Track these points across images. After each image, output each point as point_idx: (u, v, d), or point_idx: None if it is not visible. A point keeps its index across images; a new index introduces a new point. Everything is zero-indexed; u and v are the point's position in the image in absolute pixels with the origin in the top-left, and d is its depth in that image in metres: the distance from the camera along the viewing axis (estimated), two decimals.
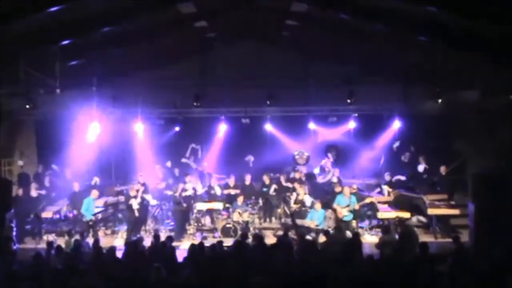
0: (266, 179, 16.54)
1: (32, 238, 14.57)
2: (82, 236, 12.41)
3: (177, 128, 18.48)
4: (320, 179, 17.13)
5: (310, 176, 17.01)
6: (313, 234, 13.47)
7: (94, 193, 14.63)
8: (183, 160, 18.21)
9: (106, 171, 17.89)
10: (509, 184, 12.30)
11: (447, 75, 14.76)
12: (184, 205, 14.97)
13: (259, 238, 11.56)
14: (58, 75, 14.26)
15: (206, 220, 15.43)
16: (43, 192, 15.44)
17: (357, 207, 14.20)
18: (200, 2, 13.59)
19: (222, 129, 18.16)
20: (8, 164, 17.36)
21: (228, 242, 12.21)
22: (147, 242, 12.07)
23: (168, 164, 17.80)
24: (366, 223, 15.28)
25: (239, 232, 13.76)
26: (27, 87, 14.14)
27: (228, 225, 14.31)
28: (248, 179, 16.41)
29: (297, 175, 16.62)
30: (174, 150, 18.53)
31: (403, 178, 16.26)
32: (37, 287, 8.71)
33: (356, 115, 17.49)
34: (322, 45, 17.70)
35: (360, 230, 14.33)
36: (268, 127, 18.32)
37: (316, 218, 13.83)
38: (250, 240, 12.46)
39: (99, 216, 15.04)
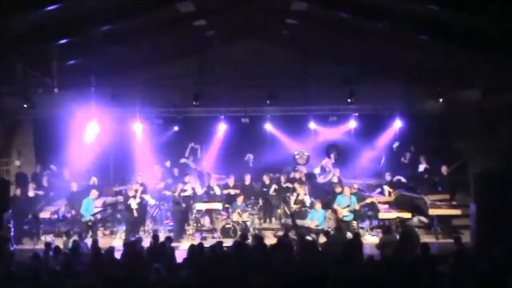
0: (266, 179, 16.54)
1: (30, 239, 14.56)
2: (80, 236, 12.41)
3: (176, 128, 18.47)
4: (321, 179, 17.13)
5: (311, 176, 17.01)
6: (313, 235, 13.48)
7: (94, 193, 14.63)
8: (182, 160, 18.20)
9: (104, 171, 17.87)
10: (511, 184, 12.30)
11: (448, 74, 14.77)
12: (183, 205, 14.97)
13: (259, 238, 11.56)
14: (56, 74, 14.26)
15: (206, 221, 15.43)
16: (40, 192, 15.43)
17: (357, 207, 14.21)
18: (200, 1, 13.59)
19: (222, 128, 18.13)
20: (6, 164, 17.34)
21: (228, 242, 12.21)
22: (146, 242, 12.06)
23: (167, 164, 17.80)
24: (366, 224, 15.28)
25: (239, 233, 13.76)
26: (25, 86, 14.13)
27: (227, 226, 14.31)
28: (248, 179, 16.40)
29: (297, 175, 16.61)
30: (173, 150, 18.52)
31: (403, 180, 16.23)
32: None
33: (357, 114, 17.47)
34: (322, 44, 17.71)
35: (360, 231, 14.33)
36: (268, 126, 18.31)
37: (317, 219, 13.83)
38: (249, 240, 12.47)
39: (98, 216, 15.03)
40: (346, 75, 16.88)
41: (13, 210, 14.00)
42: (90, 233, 14.11)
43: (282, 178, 16.55)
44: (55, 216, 15.23)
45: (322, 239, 12.59)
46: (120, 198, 15.87)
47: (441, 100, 15.40)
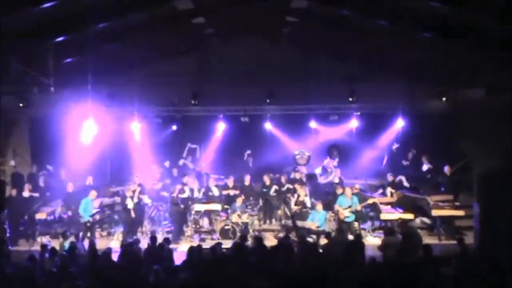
0: (266, 179, 16.52)
1: (26, 240, 14.56)
2: (77, 238, 12.41)
3: (174, 127, 18.47)
4: (322, 180, 17.11)
5: (311, 177, 17.01)
6: (314, 236, 13.48)
7: (93, 193, 14.64)
8: (181, 162, 18.21)
9: (101, 171, 17.87)
10: None
11: (451, 73, 14.76)
12: (182, 206, 14.96)
13: (258, 240, 11.56)
14: (52, 72, 14.24)
15: (204, 222, 15.44)
16: (36, 194, 15.37)
17: (359, 208, 14.19)
18: None
19: (221, 128, 18.12)
20: (1, 164, 17.32)
21: (227, 244, 12.21)
22: (144, 244, 12.07)
23: (167, 164, 17.80)
24: (368, 225, 15.27)
25: (238, 234, 13.75)
26: (21, 85, 14.11)
27: (227, 227, 14.30)
28: (247, 180, 16.39)
29: (297, 176, 16.60)
30: (172, 149, 18.53)
31: (405, 182, 16.19)
32: None
33: (358, 113, 17.46)
34: (323, 42, 17.71)
35: (362, 232, 14.33)
36: (268, 126, 18.30)
37: (317, 220, 13.83)
38: (249, 242, 12.47)
39: (97, 217, 15.03)
40: (347, 73, 16.91)
41: (8, 210, 14.00)
42: (88, 234, 14.11)
43: (283, 179, 16.55)
44: (51, 217, 15.22)
45: (323, 240, 12.59)
46: (118, 199, 15.87)
47: (444, 99, 15.39)
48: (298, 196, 15.13)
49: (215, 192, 15.80)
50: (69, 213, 15.20)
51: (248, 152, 18.22)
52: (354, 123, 17.83)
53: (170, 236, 13.82)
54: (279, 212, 15.70)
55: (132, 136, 17.77)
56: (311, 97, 17.68)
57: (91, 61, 15.39)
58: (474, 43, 12.38)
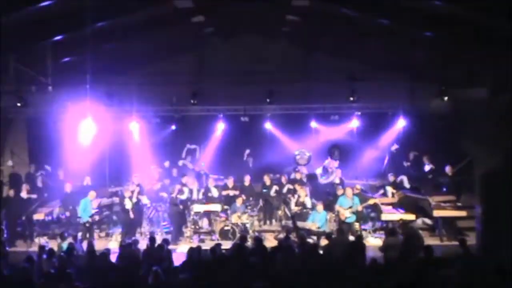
0: (266, 179, 16.50)
1: (24, 241, 14.55)
2: (75, 239, 12.40)
3: (173, 127, 18.46)
4: (322, 180, 17.10)
5: (312, 177, 16.99)
6: (314, 237, 13.47)
7: (92, 194, 14.64)
8: (181, 162, 18.20)
9: (100, 171, 17.85)
10: None
11: (453, 73, 14.74)
12: (181, 206, 14.95)
13: (258, 241, 11.55)
14: (50, 72, 14.26)
15: (204, 223, 15.43)
16: (34, 196, 15.30)
17: (360, 208, 14.18)
18: None
19: (220, 128, 18.06)
20: None
21: (227, 245, 12.21)
22: (142, 245, 12.06)
23: (166, 164, 17.79)
24: (369, 225, 15.26)
25: (238, 235, 13.74)
26: (18, 84, 14.12)
27: (226, 228, 14.30)
28: (247, 180, 16.38)
29: (297, 176, 16.59)
30: (171, 149, 18.52)
31: (407, 183, 16.16)
32: None
33: (359, 113, 17.42)
34: (324, 41, 17.69)
35: (363, 232, 14.33)
36: (268, 125, 18.27)
37: (318, 220, 13.83)
38: (249, 243, 12.47)
39: (96, 217, 15.02)
40: (348, 73, 16.85)
41: (6, 211, 14.01)
42: (87, 235, 14.09)
43: (283, 179, 16.53)
44: (49, 218, 15.23)
45: (323, 241, 12.58)
46: (116, 199, 15.87)
47: (445, 98, 15.37)
48: (299, 196, 15.13)
49: (214, 193, 15.78)
50: (67, 213, 15.20)
51: (248, 151, 18.21)
52: (355, 123, 17.79)
53: (169, 237, 13.86)
54: (279, 212, 15.69)
55: (131, 136, 17.75)
56: (311, 97, 17.63)
57: (90, 60, 15.36)
58: (476, 42, 12.36)
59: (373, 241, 14.12)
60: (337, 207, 14.24)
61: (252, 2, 14.39)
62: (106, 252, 10.74)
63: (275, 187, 16.23)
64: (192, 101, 16.38)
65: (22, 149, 17.92)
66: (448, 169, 15.62)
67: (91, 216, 14.45)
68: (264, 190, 16.39)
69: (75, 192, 15.48)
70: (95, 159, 17.18)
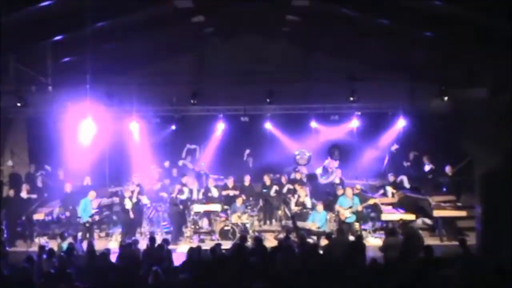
0: (267, 179, 16.51)
1: (24, 241, 14.57)
2: (75, 239, 12.42)
3: (173, 127, 18.47)
4: (322, 180, 17.11)
5: (312, 177, 17.00)
6: (314, 237, 13.49)
7: (92, 194, 14.65)
8: (181, 162, 18.22)
9: (100, 171, 17.86)
10: None
11: (453, 73, 14.74)
12: (181, 207, 14.97)
13: (258, 241, 11.57)
14: (50, 72, 14.26)
15: (204, 223, 15.44)
16: (34, 196, 15.30)
17: (360, 208, 14.20)
18: None
19: (220, 128, 18.07)
20: None
21: (227, 245, 12.23)
22: (142, 245, 12.07)
23: (167, 164, 17.80)
24: (369, 225, 15.28)
25: (238, 235, 13.76)
26: (18, 84, 14.13)
27: (226, 228, 14.32)
28: (247, 180, 16.39)
29: (297, 176, 16.60)
30: (171, 149, 18.53)
31: (407, 183, 16.17)
32: None
33: (359, 113, 17.42)
34: (324, 41, 17.70)
35: (363, 233, 14.34)
36: (268, 125, 18.27)
37: (318, 220, 13.84)
38: (249, 243, 12.48)
39: (96, 217, 15.03)
40: (348, 73, 16.86)
41: (6, 211, 14.01)
42: (87, 235, 14.10)
43: (283, 179, 16.54)
44: (49, 218, 15.24)
45: (323, 241, 12.59)
46: (116, 200, 15.88)
47: (446, 98, 15.38)
48: (299, 196, 15.15)
49: (214, 193, 15.79)
50: (67, 214, 15.21)
51: (248, 151, 18.22)
52: (355, 123, 17.79)
53: (169, 237, 13.87)
54: (279, 212, 15.71)
55: (131, 136, 17.76)
56: (311, 97, 17.64)
57: (90, 60, 15.38)
58: (476, 42, 12.37)
59: (373, 241, 14.14)
60: (337, 207, 14.26)
61: (252, 2, 14.41)
62: (106, 252, 10.76)
63: (275, 187, 16.24)
64: (192, 101, 16.39)
65: (22, 149, 17.93)
66: (448, 169, 15.62)
67: (91, 216, 14.46)
68: (264, 190, 16.40)
69: (75, 192, 15.49)
70: (95, 159, 17.20)
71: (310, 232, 13.62)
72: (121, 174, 18.02)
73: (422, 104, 16.77)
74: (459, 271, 9.18)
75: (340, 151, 18.19)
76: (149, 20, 14.56)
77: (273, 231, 15.39)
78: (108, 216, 15.91)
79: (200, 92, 16.72)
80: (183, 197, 15.22)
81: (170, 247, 11.95)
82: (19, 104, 14.58)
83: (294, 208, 14.96)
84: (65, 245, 11.72)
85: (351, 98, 16.00)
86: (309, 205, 14.84)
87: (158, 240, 11.84)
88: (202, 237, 14.95)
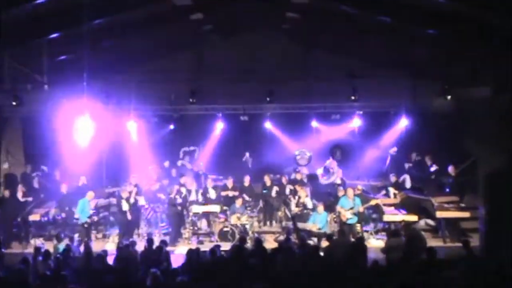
0: (267, 180, 16.49)
1: (19, 243, 14.54)
2: (71, 240, 12.40)
3: (171, 126, 18.46)
4: (323, 180, 17.11)
5: (312, 177, 17.00)
6: (315, 238, 13.48)
7: (90, 194, 14.63)
8: (179, 162, 18.21)
9: (97, 171, 17.84)
10: None
11: (455, 71, 14.74)
12: (179, 207, 14.96)
13: (258, 242, 11.56)
14: (46, 70, 14.24)
15: (203, 224, 15.44)
16: (30, 199, 15.26)
17: (361, 209, 14.18)
18: None
19: (219, 127, 18.08)
20: None
21: (226, 246, 12.23)
22: (140, 246, 12.06)
23: (166, 164, 17.79)
24: (371, 226, 15.27)
25: (237, 236, 13.74)
26: (13, 82, 14.10)
27: (225, 229, 14.30)
28: (247, 181, 16.39)
29: (298, 176, 16.60)
30: (169, 149, 18.52)
31: (409, 183, 16.15)
32: None
33: (361, 112, 17.42)
34: (324, 39, 17.69)
35: (365, 234, 14.34)
36: (268, 125, 18.27)
37: (319, 221, 13.84)
38: (249, 244, 12.47)
39: (95, 218, 15.01)
40: (349, 71, 16.86)
41: (1, 212, 13.98)
42: (86, 236, 14.07)
43: (283, 179, 16.53)
44: (45, 219, 15.21)
45: (324, 243, 12.59)
46: (113, 200, 15.86)
47: (449, 97, 15.38)
48: (299, 197, 15.14)
49: (212, 194, 15.74)
50: (63, 215, 15.18)
51: (247, 155, 18.19)
52: (356, 122, 17.77)
53: (167, 238, 13.85)
54: (279, 213, 15.70)
55: (129, 135, 17.74)
56: (312, 96, 17.62)
57: (86, 58, 15.38)
58: (479, 40, 12.37)
59: (375, 243, 14.14)
60: (338, 208, 14.24)
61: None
62: (103, 254, 10.74)
63: (275, 188, 16.21)
64: (190, 100, 16.37)
65: (17, 149, 17.88)
66: (451, 169, 15.62)
67: (90, 217, 14.44)
68: (264, 191, 16.38)
69: (71, 193, 15.48)
70: (92, 159, 17.17)
71: (310, 234, 13.61)
72: (118, 174, 18.00)
73: (425, 103, 16.76)
74: (463, 273, 9.17)
75: (341, 151, 18.18)
76: (147, 18, 14.55)
77: (273, 233, 15.38)
78: (105, 217, 15.89)
79: (198, 90, 16.71)
80: (182, 198, 15.19)
81: (169, 248, 11.94)
82: (14, 103, 14.54)
83: (295, 209, 14.96)
84: (61, 246, 11.70)
85: (353, 98, 16.00)
86: (309, 206, 14.84)
87: (156, 242, 11.83)
88: (201, 238, 14.94)
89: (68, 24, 12.90)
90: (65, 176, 16.59)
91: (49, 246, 12.55)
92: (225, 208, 15.32)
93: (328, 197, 15.71)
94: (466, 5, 11.06)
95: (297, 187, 15.64)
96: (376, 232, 15.05)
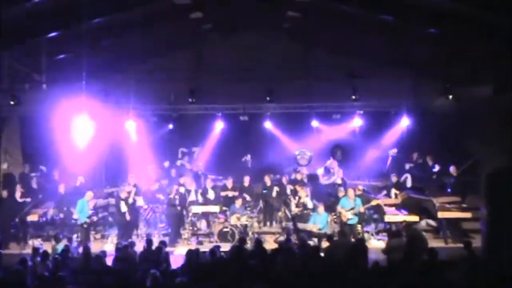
0: (267, 180, 16.49)
1: (17, 243, 14.54)
2: (70, 240, 12.40)
3: (170, 126, 18.46)
4: (324, 181, 17.11)
5: (313, 177, 16.99)
6: (315, 239, 13.48)
7: (89, 194, 14.61)
8: (179, 162, 18.21)
9: (96, 171, 17.83)
10: None
11: (457, 70, 14.74)
12: (179, 208, 14.96)
13: (258, 242, 11.56)
14: (45, 69, 14.23)
15: (202, 224, 15.44)
16: (28, 199, 15.26)
17: (362, 209, 14.17)
18: None
19: (219, 127, 18.07)
20: None
21: (226, 247, 12.22)
22: (139, 247, 12.06)
23: (166, 164, 17.79)
24: (372, 227, 15.27)
25: (237, 237, 13.74)
26: (11, 82, 14.10)
27: (225, 229, 14.29)
28: (247, 181, 16.39)
29: (298, 176, 16.59)
30: (168, 149, 18.51)
31: (410, 182, 16.15)
32: None
33: (362, 112, 17.42)
34: (325, 37, 17.69)
35: (365, 234, 14.34)
36: (268, 125, 18.26)
37: (319, 222, 13.84)
38: (248, 245, 12.47)
39: (94, 218, 15.00)
40: (350, 70, 16.86)
41: None
42: (85, 236, 14.07)
43: (284, 180, 16.52)
44: (44, 219, 15.21)
45: (324, 243, 12.59)
46: (112, 201, 15.85)
47: (450, 96, 15.38)
48: (299, 197, 15.14)
49: (211, 195, 15.73)
50: (61, 215, 15.18)
51: (247, 157, 18.18)
52: (357, 122, 17.76)
53: (166, 239, 13.84)
54: (280, 214, 15.69)
55: (128, 135, 17.73)
56: (312, 95, 17.60)
57: (85, 57, 15.39)
58: (480, 40, 12.37)
59: (376, 243, 14.14)
60: (338, 208, 14.24)
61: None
62: (102, 255, 10.74)
63: (276, 188, 16.21)
64: (190, 100, 16.37)
65: (15, 149, 17.87)
66: (452, 169, 15.61)
67: (89, 217, 14.43)
68: (265, 191, 16.38)
69: (69, 193, 15.46)
70: (91, 159, 17.15)
71: (311, 234, 13.61)
72: (117, 174, 18.00)
73: (426, 102, 16.78)
74: (464, 274, 9.17)
75: (342, 151, 18.17)
76: (146, 16, 14.56)
77: (273, 233, 15.38)
78: (104, 218, 15.90)
79: (198, 90, 16.71)
80: (180, 198, 15.20)
81: (168, 249, 11.96)
82: (12, 102, 14.54)
83: (295, 210, 14.96)
84: (60, 247, 11.70)
85: (353, 97, 16.00)
86: (310, 206, 14.84)
87: (156, 242, 11.83)
88: (200, 239, 14.93)
89: (67, 23, 12.92)
90: (64, 176, 16.57)
91: (47, 246, 12.54)
92: (224, 208, 15.32)
93: (329, 198, 15.71)
94: (467, 4, 11.05)
95: (298, 188, 15.63)
96: (377, 233, 15.05)
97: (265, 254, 10.75)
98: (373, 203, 14.68)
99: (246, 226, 14.48)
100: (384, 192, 16.32)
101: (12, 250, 14.15)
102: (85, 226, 14.20)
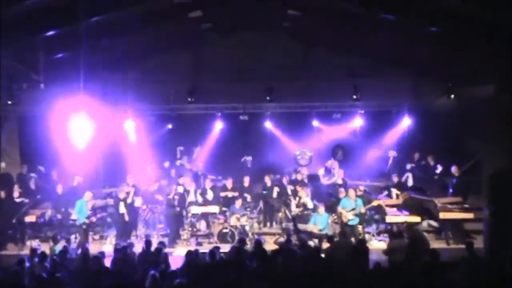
0: (267, 180, 16.47)
1: (15, 244, 14.51)
2: (68, 241, 12.38)
3: (169, 126, 18.44)
4: (325, 181, 17.10)
5: (313, 178, 16.99)
6: (315, 240, 13.47)
7: (87, 194, 14.59)
8: (178, 162, 18.21)
9: (94, 171, 17.80)
10: None
11: (459, 70, 14.73)
12: (178, 208, 14.94)
13: (258, 243, 11.55)
14: (42, 68, 14.20)
15: (201, 225, 15.42)
16: (26, 200, 15.24)
17: (363, 210, 14.16)
18: None
19: (218, 126, 18.07)
20: None
21: (225, 248, 12.21)
22: (138, 248, 12.05)
23: (166, 164, 17.78)
24: (373, 228, 15.25)
25: (237, 238, 13.72)
26: (9, 81, 14.08)
27: (225, 230, 14.28)
28: (246, 181, 16.39)
29: (298, 177, 16.58)
30: (168, 149, 18.50)
31: (411, 181, 16.14)
32: None
33: (362, 111, 17.41)
34: (325, 36, 17.69)
35: (366, 235, 14.33)
36: (268, 124, 18.27)
37: (320, 223, 13.83)
38: (248, 246, 12.46)
39: (93, 219, 14.98)
40: (350, 69, 16.87)
41: None
42: (84, 237, 14.05)
43: (284, 180, 16.51)
44: (42, 220, 15.18)
45: (325, 244, 12.58)
46: (110, 201, 15.83)
47: (452, 96, 15.37)
48: (300, 198, 15.12)
49: (210, 195, 15.71)
50: (59, 216, 15.16)
51: (247, 157, 18.18)
52: (357, 122, 17.76)
53: (165, 240, 13.83)
54: (280, 214, 15.68)
55: (126, 134, 17.72)
56: (313, 95, 17.61)
57: (84, 57, 15.36)
58: (482, 39, 12.36)
59: (377, 244, 14.12)
60: (339, 209, 14.24)
61: None
62: (100, 256, 10.73)
63: (276, 189, 16.18)
64: (189, 99, 16.36)
65: (13, 148, 17.84)
66: (454, 170, 15.60)
67: (88, 218, 14.42)
68: (265, 192, 16.36)
69: (66, 193, 15.45)
70: (89, 159, 17.13)
71: (311, 235, 13.60)
72: (116, 174, 17.95)
73: (427, 102, 16.78)
74: (466, 275, 9.17)
75: (343, 151, 18.17)
76: (145, 15, 14.54)
77: (273, 234, 15.36)
78: (103, 218, 15.87)
79: (197, 89, 16.71)
80: (179, 198, 15.20)
81: (167, 250, 11.95)
82: (9, 102, 14.52)
83: (295, 210, 14.94)
84: (58, 248, 11.68)
85: (354, 97, 15.99)
86: (310, 206, 14.82)
87: (154, 243, 11.82)
88: (200, 240, 14.92)
89: (65, 21, 12.90)
90: (62, 176, 16.55)
91: (45, 247, 12.52)
92: (224, 209, 15.31)
93: (330, 198, 15.70)
94: (468, 4, 11.05)
95: (298, 188, 15.61)
96: (378, 234, 15.04)
97: (265, 255, 10.74)
98: (374, 203, 14.67)
99: (246, 226, 14.46)
100: (385, 192, 16.31)
101: (10, 251, 14.15)
102: (83, 226, 14.18)
